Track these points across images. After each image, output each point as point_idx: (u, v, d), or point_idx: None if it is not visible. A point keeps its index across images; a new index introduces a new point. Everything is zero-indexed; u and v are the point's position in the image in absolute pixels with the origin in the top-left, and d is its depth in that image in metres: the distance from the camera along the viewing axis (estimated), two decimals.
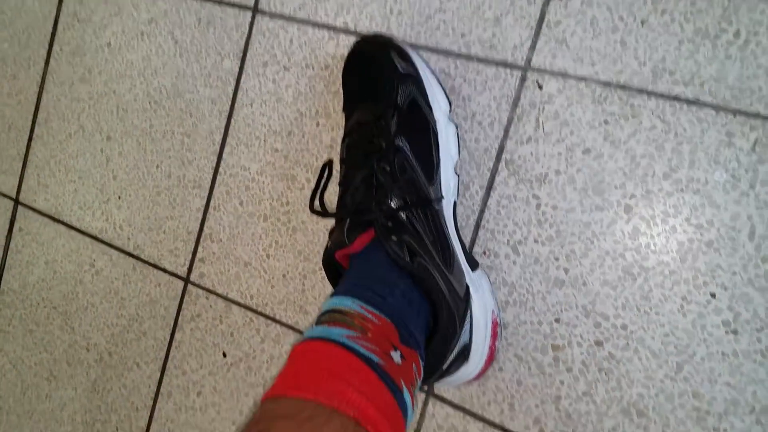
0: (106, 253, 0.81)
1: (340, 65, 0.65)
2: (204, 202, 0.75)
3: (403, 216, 0.48)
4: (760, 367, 0.48)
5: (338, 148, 0.66)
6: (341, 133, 0.66)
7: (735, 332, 0.49)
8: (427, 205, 0.50)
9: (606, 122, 0.53)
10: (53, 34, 0.87)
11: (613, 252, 0.53)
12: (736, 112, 0.48)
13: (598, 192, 0.53)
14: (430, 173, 0.51)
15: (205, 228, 0.75)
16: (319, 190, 0.54)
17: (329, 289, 0.67)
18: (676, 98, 0.50)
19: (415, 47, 0.61)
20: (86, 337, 0.83)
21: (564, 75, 0.54)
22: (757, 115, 0.48)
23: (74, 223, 0.84)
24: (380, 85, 0.53)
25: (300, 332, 0.69)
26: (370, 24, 0.64)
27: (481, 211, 0.58)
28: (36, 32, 0.88)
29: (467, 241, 0.59)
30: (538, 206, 0.56)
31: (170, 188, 0.77)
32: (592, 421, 0.54)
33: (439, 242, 0.49)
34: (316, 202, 0.54)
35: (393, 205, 0.48)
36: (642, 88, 0.51)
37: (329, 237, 0.51)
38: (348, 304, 0.43)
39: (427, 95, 0.53)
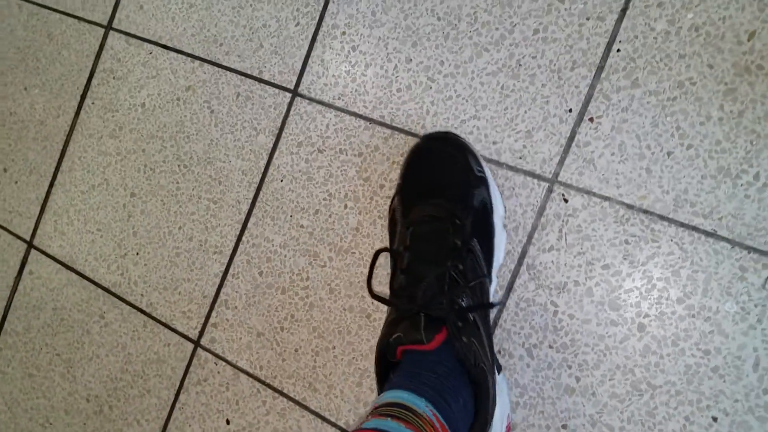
0: (118, 306, 0.83)
1: (374, 154, 0.69)
2: (223, 268, 0.78)
3: (472, 317, 0.50)
4: None
5: (365, 231, 0.69)
6: (371, 216, 0.69)
7: None
8: (489, 307, 0.52)
9: (627, 242, 0.56)
10: (87, 88, 0.90)
11: (623, 366, 0.56)
12: (750, 249, 0.52)
13: (614, 307, 0.57)
14: (489, 276, 0.54)
15: (221, 294, 0.77)
16: (372, 275, 0.55)
17: (340, 368, 0.69)
18: (695, 228, 0.54)
19: None
20: (87, 388, 0.84)
21: (589, 192, 0.58)
22: None
23: (87, 273, 0.86)
24: (456, 185, 0.55)
25: (307, 409, 0.71)
26: (407, 120, 0.68)
27: (500, 311, 0.61)
28: (69, 83, 0.91)
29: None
30: (555, 313, 0.59)
31: (190, 251, 0.80)
32: None
33: (488, 345, 0.52)
34: (377, 288, 0.56)
35: (464, 304, 0.49)
36: (663, 215, 0.55)
37: (388, 327, 0.51)
38: (421, 406, 0.44)
39: (492, 200, 0.56)
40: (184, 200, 0.81)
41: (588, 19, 0.60)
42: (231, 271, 0.77)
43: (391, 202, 0.61)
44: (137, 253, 0.83)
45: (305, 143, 0.74)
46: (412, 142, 0.67)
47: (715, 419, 0.53)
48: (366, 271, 0.69)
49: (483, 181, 0.56)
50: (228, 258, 0.78)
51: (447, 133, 0.59)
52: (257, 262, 0.76)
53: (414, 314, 0.50)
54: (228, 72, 0.80)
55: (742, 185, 0.53)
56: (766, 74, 0.53)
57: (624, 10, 0.58)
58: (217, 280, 0.78)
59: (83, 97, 0.90)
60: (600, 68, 0.59)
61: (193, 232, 0.80)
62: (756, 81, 0.53)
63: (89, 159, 0.88)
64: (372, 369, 0.68)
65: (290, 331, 0.73)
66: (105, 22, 0.89)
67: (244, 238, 0.77)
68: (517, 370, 0.60)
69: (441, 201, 0.55)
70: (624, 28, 0.58)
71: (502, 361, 0.61)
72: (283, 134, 0.76)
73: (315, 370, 0.71)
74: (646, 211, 0.56)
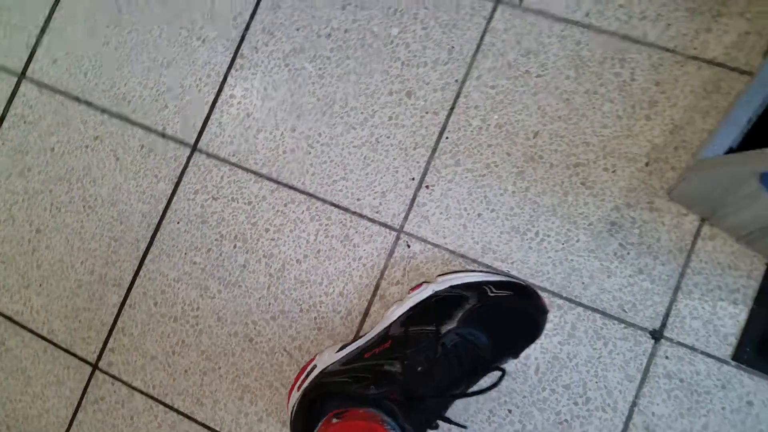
0: (19, 334, 0.93)
1: (262, 203, 0.87)
2: (121, 299, 0.91)
3: None
4: None
5: (251, 268, 0.86)
6: (257, 255, 0.86)
7: None
8: None
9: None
10: None
11: None
12: (533, 285, 0.75)
13: None
14: None
15: (119, 322, 0.90)
16: None
17: (225, 385, 0.84)
18: (495, 269, 0.76)
19: (323, 200, 0.84)
20: None
21: (425, 241, 0.80)
22: (543, 289, 0.75)
23: None
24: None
25: (194, 421, 0.85)
26: (290, 177, 0.87)
27: (357, 333, 0.80)
28: None
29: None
30: None
31: (91, 283, 0.92)
32: None
33: None
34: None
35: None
36: (474, 259, 0.77)
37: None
38: None
39: None
40: (87, 238, 0.94)
41: (427, 113, 0.82)
42: (128, 301, 0.91)
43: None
44: (40, 285, 0.94)
45: (201, 191, 0.91)
46: (295, 194, 0.86)
47: (510, 411, 0.74)
48: (253, 303, 0.85)
49: None
50: (126, 290, 0.91)
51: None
52: (153, 294, 0.90)
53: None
54: (134, 126, 0.95)
55: (527, 239, 0.76)
56: (545, 162, 0.77)
57: (452, 108, 0.82)
58: (115, 310, 0.91)
59: None
60: (434, 150, 0.81)
61: (94, 267, 0.93)
62: (538, 166, 0.77)
63: None
64: (252, 384, 0.84)
65: (181, 354, 0.87)
66: (19, 70, 1.01)
67: (141, 273, 0.91)
68: None
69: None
70: (451, 122, 0.81)
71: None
72: (182, 183, 0.92)
73: (202, 387, 0.86)
74: (462, 255, 0.78)
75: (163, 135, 0.94)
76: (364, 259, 0.82)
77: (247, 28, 0.94)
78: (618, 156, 0.76)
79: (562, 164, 0.77)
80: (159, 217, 0.92)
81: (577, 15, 0.80)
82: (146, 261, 0.91)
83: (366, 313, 0.81)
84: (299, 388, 0.73)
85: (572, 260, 0.75)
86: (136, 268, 0.92)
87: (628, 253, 0.73)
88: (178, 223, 0.91)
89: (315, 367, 0.74)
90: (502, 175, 0.79)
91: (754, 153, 0.55)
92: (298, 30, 0.91)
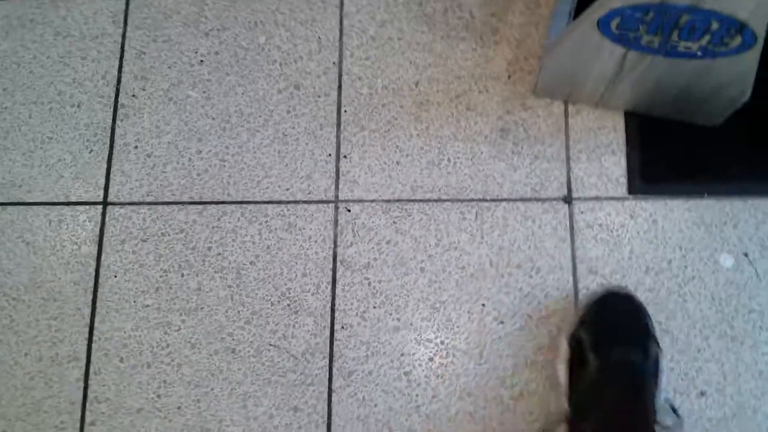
0: None
1: (194, 227, 0.91)
2: (83, 371, 0.89)
3: None
4: None
5: (206, 287, 0.90)
6: (208, 274, 0.90)
7: None
8: None
9: (394, 222, 0.89)
10: None
11: (424, 299, 0.87)
12: (464, 201, 0.89)
13: (401, 263, 0.88)
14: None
15: (89, 393, 0.89)
16: None
17: (223, 402, 0.87)
18: (429, 200, 0.89)
19: (254, 202, 0.91)
20: None
21: (361, 201, 0.90)
22: (471, 199, 0.89)
23: None
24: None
25: None
26: (213, 194, 0.93)
27: (333, 300, 0.88)
28: None
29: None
30: (370, 284, 0.88)
31: (43, 370, 0.90)
32: None
33: None
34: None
35: None
36: (408, 199, 0.90)
37: None
38: None
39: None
40: (22, 329, 0.91)
41: (319, 96, 0.94)
42: (91, 369, 0.90)
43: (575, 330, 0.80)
44: None
45: (128, 239, 0.93)
46: (224, 207, 0.92)
47: (483, 305, 0.86)
48: (222, 318, 0.89)
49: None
50: (84, 361, 0.90)
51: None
52: (115, 352, 0.90)
53: None
54: (34, 206, 0.95)
55: (443, 167, 0.91)
56: (432, 102, 0.92)
57: (339, 86, 0.94)
58: (81, 384, 0.89)
59: None
60: (338, 124, 0.93)
61: (41, 353, 0.90)
62: (429, 108, 0.92)
63: None
64: (250, 389, 0.87)
65: (167, 395, 0.88)
66: None
67: (94, 337, 0.90)
68: (358, 332, 0.86)
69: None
70: (344, 97, 0.94)
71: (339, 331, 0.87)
72: (105, 239, 0.93)
73: (201, 414, 0.87)
74: (398, 200, 0.90)
75: (68, 203, 0.95)
76: (314, 237, 0.90)
77: (119, 81, 0.99)
78: (486, 79, 0.93)
79: (446, 100, 0.93)
80: (93, 279, 0.92)
81: None
82: (96, 324, 0.91)
83: (334, 281, 0.89)
84: None
85: (483, 169, 0.90)
86: (87, 335, 0.91)
87: (522, 148, 0.90)
88: (116, 276, 0.92)
89: None
90: (403, 125, 0.92)
91: (585, 12, 0.73)
92: (170, 67, 0.98)
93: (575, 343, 0.78)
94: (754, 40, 0.70)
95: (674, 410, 0.76)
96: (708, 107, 0.82)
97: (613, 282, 0.85)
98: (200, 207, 0.93)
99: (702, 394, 0.81)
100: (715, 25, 0.70)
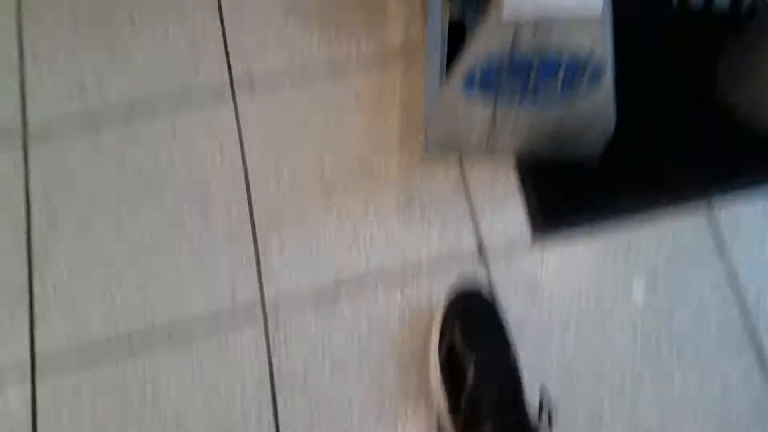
0: None
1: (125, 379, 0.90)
2: None
3: None
4: None
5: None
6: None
7: None
8: None
9: (323, 316, 0.90)
10: None
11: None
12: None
13: (339, 365, 0.89)
14: None
15: None
16: None
17: None
18: (354, 283, 0.91)
19: (184, 323, 0.92)
20: None
21: (287, 297, 0.92)
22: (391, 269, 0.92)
23: None
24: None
25: None
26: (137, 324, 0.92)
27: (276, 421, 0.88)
28: None
29: None
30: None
31: None
32: None
33: None
34: None
35: None
36: (333, 283, 0.92)
37: None
38: None
39: None
40: None
41: (230, 200, 0.96)
42: None
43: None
44: None
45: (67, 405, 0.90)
46: (151, 340, 0.91)
47: None
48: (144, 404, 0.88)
49: None
50: None
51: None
52: None
53: None
54: None
55: (359, 245, 0.93)
56: (339, 186, 0.95)
57: (248, 187, 0.97)
58: None
59: None
60: (252, 223, 0.95)
61: None
62: (337, 192, 0.95)
63: None
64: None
65: None
66: None
67: None
68: None
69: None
70: (254, 195, 0.96)
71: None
72: (38, 413, 0.90)
73: None
74: (323, 289, 0.92)
75: None
76: (246, 352, 0.90)
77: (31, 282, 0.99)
78: (381, 151, 0.98)
79: (352, 183, 0.97)
80: None
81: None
82: None
83: (275, 405, 0.89)
84: None
85: (401, 240, 0.93)
86: None
87: (429, 213, 0.94)
88: None
89: None
90: (312, 210, 0.96)
91: (448, 75, 0.77)
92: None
93: (445, 353, 0.82)
94: (600, 74, 0.76)
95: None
96: (583, 143, 0.88)
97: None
98: (129, 348, 0.92)
99: None
100: (562, 70, 0.76)
